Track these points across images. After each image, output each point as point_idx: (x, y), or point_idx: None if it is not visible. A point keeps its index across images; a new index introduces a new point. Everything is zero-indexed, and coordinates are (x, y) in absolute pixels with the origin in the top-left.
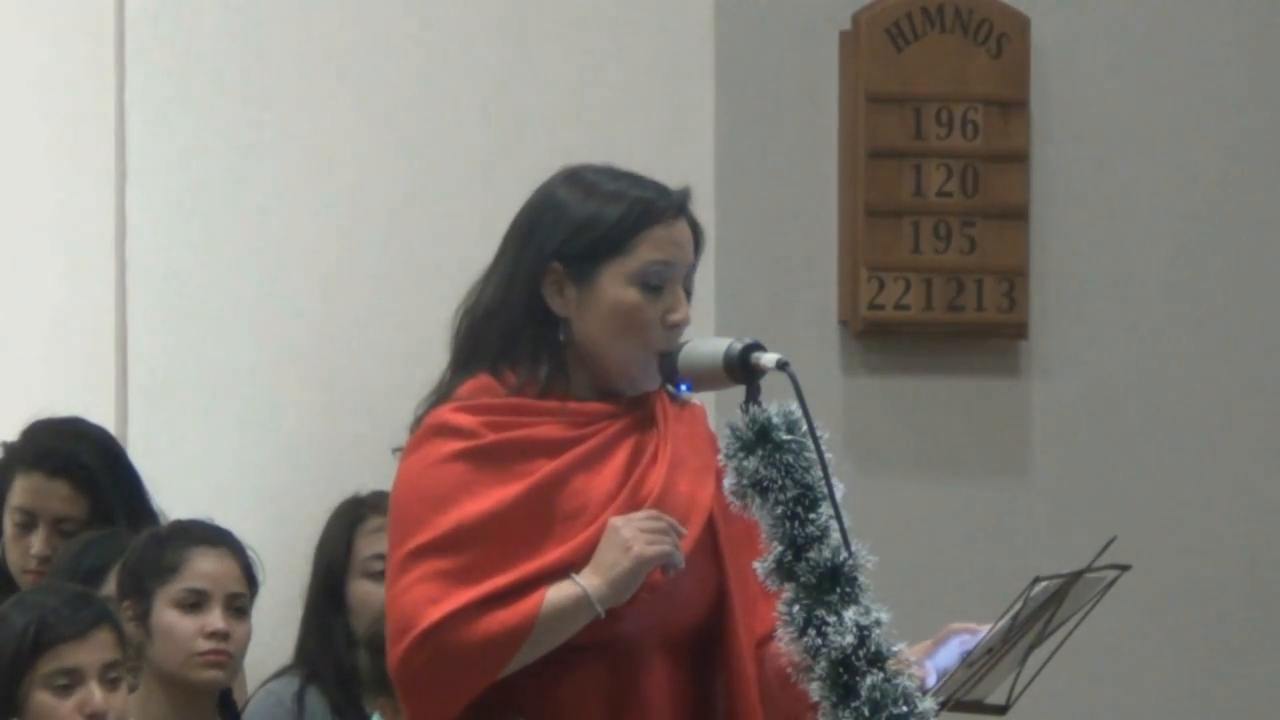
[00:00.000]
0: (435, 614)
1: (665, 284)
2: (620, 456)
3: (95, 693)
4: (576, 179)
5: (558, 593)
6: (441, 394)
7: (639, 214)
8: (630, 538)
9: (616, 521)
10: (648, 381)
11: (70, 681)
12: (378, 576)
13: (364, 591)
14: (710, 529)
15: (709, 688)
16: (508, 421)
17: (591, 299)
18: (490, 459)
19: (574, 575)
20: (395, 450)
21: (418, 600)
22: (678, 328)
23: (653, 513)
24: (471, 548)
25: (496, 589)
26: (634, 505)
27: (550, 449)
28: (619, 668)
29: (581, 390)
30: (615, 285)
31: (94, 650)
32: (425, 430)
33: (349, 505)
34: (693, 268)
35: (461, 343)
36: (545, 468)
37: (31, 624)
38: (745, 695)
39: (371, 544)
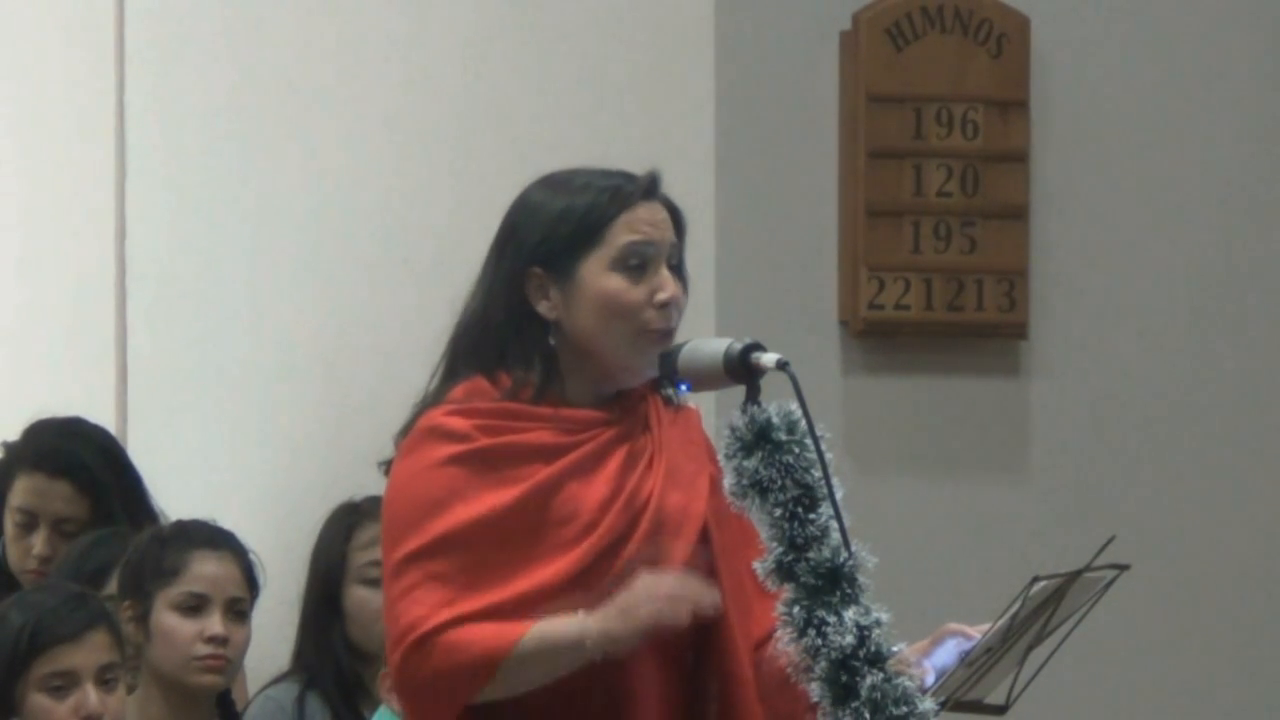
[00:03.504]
0: (429, 622)
1: (647, 264)
2: (613, 464)
3: (91, 695)
4: (547, 181)
5: (556, 624)
6: (432, 398)
7: (607, 201)
8: (650, 596)
9: (649, 579)
10: (647, 368)
11: (65, 683)
12: (374, 583)
13: (360, 598)
14: (704, 536)
15: (702, 691)
16: (501, 425)
17: (576, 295)
18: (484, 463)
19: (582, 615)
20: (381, 464)
21: (414, 606)
22: (667, 306)
23: (683, 580)
24: (465, 552)
25: (494, 604)
26: (631, 514)
27: (544, 454)
28: (612, 672)
29: (577, 394)
30: (597, 275)
31: (89, 652)
32: (418, 433)
33: (343, 512)
34: (677, 247)
35: (451, 350)
36: (539, 473)
37: (26, 626)
38: (740, 698)
39: (367, 551)
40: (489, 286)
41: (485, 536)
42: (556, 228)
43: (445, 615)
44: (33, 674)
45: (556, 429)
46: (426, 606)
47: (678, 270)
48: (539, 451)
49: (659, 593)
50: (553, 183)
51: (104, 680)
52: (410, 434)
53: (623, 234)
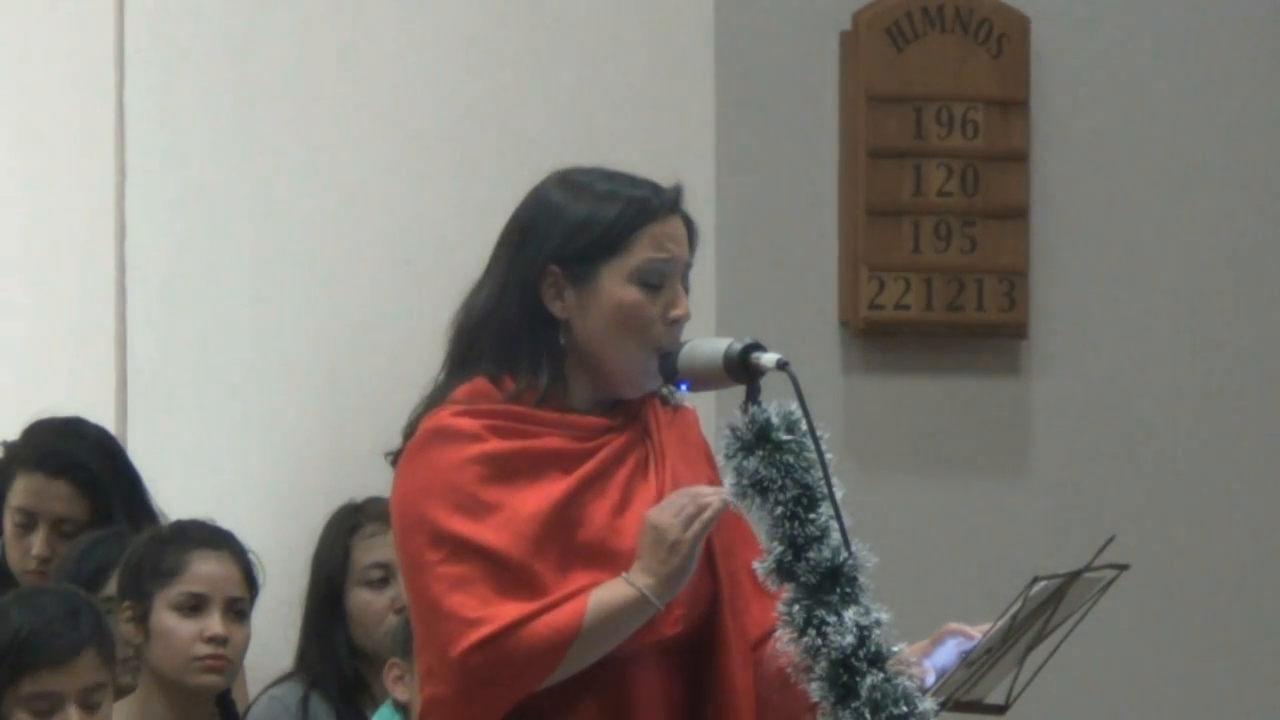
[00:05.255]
0: (491, 621)
1: (665, 281)
2: (622, 474)
3: (73, 717)
4: (568, 181)
5: (608, 593)
6: (436, 398)
7: (635, 212)
8: (666, 527)
9: (651, 515)
10: (649, 382)
11: (49, 706)
12: (376, 585)
13: (363, 600)
14: (705, 539)
15: (701, 692)
16: (511, 428)
17: (592, 300)
18: (502, 466)
19: (625, 576)
20: (388, 455)
21: (463, 606)
22: (679, 324)
23: (678, 495)
24: (497, 557)
25: (547, 603)
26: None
27: (560, 462)
28: (611, 673)
29: (579, 399)
30: (615, 284)
31: (75, 676)
32: (426, 434)
33: (345, 513)
34: (689, 265)
35: (454, 349)
36: (563, 483)
37: (15, 641)
38: (735, 700)
39: (369, 553)
40: (501, 283)
41: (514, 543)
42: (581, 232)
43: (502, 614)
44: (18, 692)
45: (567, 436)
46: (475, 607)
47: (685, 288)
48: (555, 459)
49: (680, 519)
50: (574, 184)
51: (88, 702)
52: (417, 434)
53: (646, 247)
